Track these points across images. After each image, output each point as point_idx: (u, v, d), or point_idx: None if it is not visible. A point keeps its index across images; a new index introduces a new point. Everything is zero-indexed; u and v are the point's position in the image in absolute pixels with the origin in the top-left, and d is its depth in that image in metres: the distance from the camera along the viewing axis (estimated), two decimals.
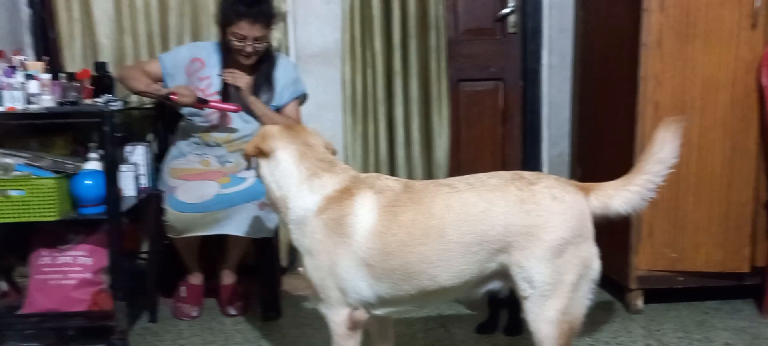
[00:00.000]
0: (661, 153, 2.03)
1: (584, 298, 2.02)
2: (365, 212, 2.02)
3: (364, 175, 2.16)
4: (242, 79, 3.01)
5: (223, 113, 3.07)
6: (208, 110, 3.04)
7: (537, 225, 1.95)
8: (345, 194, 2.06)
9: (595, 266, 2.02)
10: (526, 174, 2.06)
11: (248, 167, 2.32)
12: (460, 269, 1.99)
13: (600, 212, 2.04)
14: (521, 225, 1.95)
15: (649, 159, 2.04)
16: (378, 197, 2.04)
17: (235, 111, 3.02)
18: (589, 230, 2.01)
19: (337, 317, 2.10)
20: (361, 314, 2.10)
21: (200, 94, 3.01)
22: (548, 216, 1.95)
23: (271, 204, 2.23)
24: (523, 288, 1.99)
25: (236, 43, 2.98)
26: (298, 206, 2.10)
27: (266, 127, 2.22)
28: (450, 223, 1.97)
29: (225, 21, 2.99)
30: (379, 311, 2.12)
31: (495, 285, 2.10)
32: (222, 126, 3.10)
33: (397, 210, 2.01)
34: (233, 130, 3.11)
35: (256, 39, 2.98)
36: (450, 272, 1.99)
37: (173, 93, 2.93)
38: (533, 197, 1.97)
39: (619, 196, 2.04)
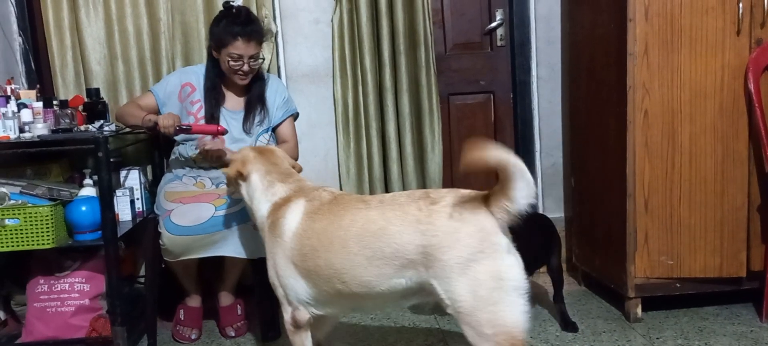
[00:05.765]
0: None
1: (512, 308, 1.89)
2: (293, 216, 2.22)
3: (311, 185, 2.34)
4: (216, 146, 3.02)
5: (214, 134, 3.07)
6: (199, 133, 3.06)
7: (433, 245, 1.93)
8: (286, 201, 2.28)
9: (511, 275, 1.90)
10: (435, 193, 2.02)
11: (230, 192, 2.50)
12: (367, 279, 2.04)
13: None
14: (417, 244, 1.94)
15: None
16: (307, 204, 2.22)
17: (216, 133, 3.03)
18: (495, 244, 1.90)
19: (285, 314, 2.32)
20: (302, 314, 2.26)
21: (191, 119, 3.08)
22: (442, 236, 1.91)
23: (254, 225, 2.43)
24: (446, 305, 1.96)
25: (233, 64, 3.02)
26: (260, 215, 2.36)
27: (244, 152, 2.45)
28: (352, 236, 2.05)
29: (220, 44, 3.01)
30: (319, 311, 2.26)
31: (423, 299, 2.10)
32: (214, 147, 3.09)
33: (316, 217, 2.16)
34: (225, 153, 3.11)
35: (251, 57, 3.03)
36: (357, 282, 2.06)
37: (157, 123, 2.95)
38: (429, 217, 1.94)
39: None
